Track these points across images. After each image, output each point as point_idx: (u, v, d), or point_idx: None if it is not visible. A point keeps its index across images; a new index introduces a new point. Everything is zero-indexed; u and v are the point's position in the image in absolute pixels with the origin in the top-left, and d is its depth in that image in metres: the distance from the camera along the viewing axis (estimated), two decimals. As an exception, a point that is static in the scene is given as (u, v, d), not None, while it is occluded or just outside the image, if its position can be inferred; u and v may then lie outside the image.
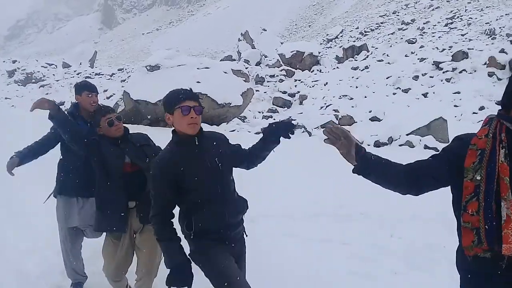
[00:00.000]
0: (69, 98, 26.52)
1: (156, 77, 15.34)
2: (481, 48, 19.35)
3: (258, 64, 21.84)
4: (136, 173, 3.14)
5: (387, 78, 18.33)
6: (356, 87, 18.25)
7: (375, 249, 4.56)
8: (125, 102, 16.01)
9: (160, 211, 2.43)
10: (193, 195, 2.44)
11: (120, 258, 3.19)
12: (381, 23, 44.57)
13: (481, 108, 14.89)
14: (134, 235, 3.20)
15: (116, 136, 3.19)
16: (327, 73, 20.54)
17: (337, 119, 14.68)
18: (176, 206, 2.51)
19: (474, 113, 14.78)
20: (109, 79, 32.89)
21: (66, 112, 3.38)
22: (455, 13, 34.80)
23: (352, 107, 16.30)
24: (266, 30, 29.31)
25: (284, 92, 18.11)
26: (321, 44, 39.64)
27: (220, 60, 24.26)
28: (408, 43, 23.90)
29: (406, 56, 21.08)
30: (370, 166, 1.92)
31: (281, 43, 27.47)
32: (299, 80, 19.92)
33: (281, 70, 20.40)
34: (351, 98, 17.11)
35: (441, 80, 17.42)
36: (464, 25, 28.24)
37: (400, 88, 17.38)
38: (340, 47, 27.89)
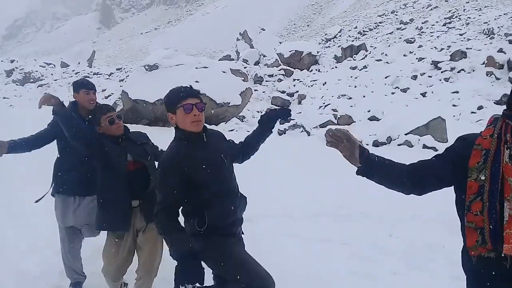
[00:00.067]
0: (67, 98, 26.48)
1: (154, 77, 15.34)
2: (479, 47, 19.37)
3: (256, 63, 21.83)
4: (139, 172, 3.13)
5: (385, 78, 18.33)
6: (355, 86, 18.24)
7: (375, 249, 4.56)
8: (123, 101, 16.00)
9: (166, 207, 2.36)
10: (204, 192, 2.41)
11: (122, 258, 3.17)
12: (380, 22, 44.55)
13: (480, 107, 14.91)
14: (137, 234, 3.17)
15: (117, 134, 3.19)
16: (326, 73, 20.53)
17: (335, 119, 14.68)
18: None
19: (472, 112, 14.78)
20: (107, 78, 32.83)
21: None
22: (453, 12, 34.82)
23: (351, 106, 16.29)
24: (264, 30, 29.28)
25: (283, 92, 18.09)
26: (319, 43, 39.62)
27: (219, 60, 24.22)
28: (407, 43, 23.88)
29: (404, 55, 21.08)
30: (373, 168, 1.93)
31: (280, 42, 27.45)
32: (298, 80, 19.89)
33: (279, 70, 20.39)
34: (350, 98, 17.10)
35: (440, 80, 17.43)
36: (463, 25, 28.24)
37: (398, 88, 17.38)
38: (338, 46, 27.85)
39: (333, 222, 5.47)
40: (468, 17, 30.12)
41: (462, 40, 22.23)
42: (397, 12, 48.69)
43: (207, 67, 16.22)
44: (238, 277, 2.36)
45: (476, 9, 33.73)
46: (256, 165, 7.60)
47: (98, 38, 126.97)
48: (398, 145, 11.59)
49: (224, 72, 16.82)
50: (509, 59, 16.79)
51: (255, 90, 17.97)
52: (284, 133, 13.30)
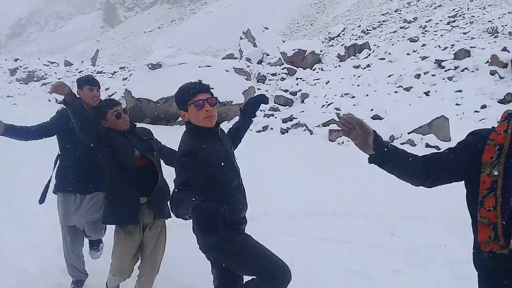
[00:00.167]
0: (71, 96, 26.45)
1: (157, 76, 15.36)
2: (483, 46, 19.28)
3: (259, 62, 21.79)
4: (146, 168, 3.12)
5: (388, 77, 18.27)
6: (358, 85, 18.19)
7: (375, 248, 4.56)
8: (126, 100, 16.02)
9: (184, 188, 2.13)
10: (220, 186, 2.37)
11: (134, 254, 3.15)
12: (383, 21, 44.41)
13: (483, 106, 14.84)
14: (143, 231, 3.16)
15: (123, 129, 3.18)
16: (329, 72, 20.47)
17: (338, 118, 14.66)
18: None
19: (476, 111, 14.73)
20: (110, 77, 32.86)
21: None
22: (457, 11, 34.69)
23: (354, 105, 16.24)
24: (268, 29, 29.23)
25: (286, 91, 18.05)
26: (323, 42, 39.52)
27: (222, 59, 24.22)
28: (410, 42, 23.78)
29: (408, 54, 21.00)
30: (387, 156, 1.88)
31: (283, 41, 27.38)
32: (301, 79, 19.85)
33: (282, 69, 20.35)
34: (353, 97, 17.05)
35: (443, 79, 17.35)
36: (467, 24, 28.14)
37: (402, 87, 17.32)
38: (342, 45, 27.80)
39: (334, 221, 5.46)
40: (472, 16, 30.02)
41: (466, 39, 22.13)
42: (400, 10, 48.54)
43: (210, 66, 16.22)
44: (258, 266, 2.37)
45: (480, 8, 33.59)
46: (258, 164, 7.63)
47: (101, 37, 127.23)
48: (401, 144, 11.55)
49: (227, 71, 16.82)
50: (513, 58, 16.70)
51: (258, 89, 17.95)
52: (287, 132, 13.29)
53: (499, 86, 15.86)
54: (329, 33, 44.95)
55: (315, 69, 20.99)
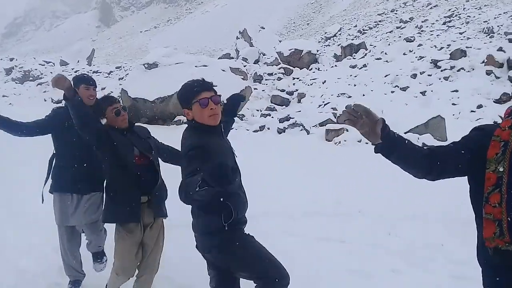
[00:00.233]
0: (66, 96, 26.33)
1: (154, 75, 15.31)
2: (479, 46, 19.34)
3: (256, 62, 21.79)
4: (146, 167, 3.10)
5: (385, 76, 18.31)
6: (354, 85, 18.22)
7: (375, 247, 4.56)
8: (123, 100, 15.94)
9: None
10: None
11: (135, 252, 3.11)
12: (380, 21, 44.48)
13: (479, 106, 14.89)
14: (143, 230, 3.14)
15: (122, 127, 3.16)
16: (326, 71, 20.47)
17: (335, 117, 14.66)
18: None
19: (472, 111, 14.78)
20: (107, 77, 32.70)
21: (64, 106, 3.26)
22: (453, 11, 34.80)
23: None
24: (264, 28, 29.24)
25: (282, 90, 18.05)
26: (319, 42, 39.57)
27: (218, 58, 24.19)
28: (406, 42, 23.84)
29: (404, 54, 21.05)
30: (394, 145, 1.84)
31: (280, 41, 27.38)
32: (298, 78, 19.85)
33: (279, 68, 20.35)
34: (349, 96, 17.06)
35: (439, 79, 17.41)
36: (463, 24, 28.23)
37: (398, 86, 17.36)
38: (338, 45, 27.84)
39: (333, 221, 5.46)
40: (468, 16, 30.12)
41: (462, 39, 22.20)
42: (397, 10, 48.68)
43: (206, 66, 16.19)
44: (259, 266, 2.37)
45: (476, 8, 33.71)
46: (255, 164, 7.60)
47: (97, 36, 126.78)
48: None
49: (223, 70, 16.80)
50: (509, 58, 16.77)
51: (254, 89, 17.93)
52: (284, 132, 13.28)
53: (495, 86, 15.92)
54: (325, 33, 45.00)
55: (311, 69, 20.99)
